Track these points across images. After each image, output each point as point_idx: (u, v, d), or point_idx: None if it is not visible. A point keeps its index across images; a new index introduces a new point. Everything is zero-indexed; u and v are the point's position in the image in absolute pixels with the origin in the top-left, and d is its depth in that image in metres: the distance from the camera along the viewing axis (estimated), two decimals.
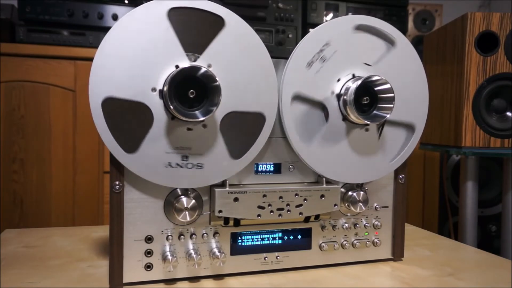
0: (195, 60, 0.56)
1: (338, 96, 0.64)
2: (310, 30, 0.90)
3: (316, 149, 0.63)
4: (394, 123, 0.67)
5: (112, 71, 0.53)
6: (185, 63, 0.56)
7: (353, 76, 0.64)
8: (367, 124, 0.65)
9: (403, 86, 0.66)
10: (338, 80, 0.64)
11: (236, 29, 0.58)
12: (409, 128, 0.68)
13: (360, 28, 0.65)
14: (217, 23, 0.57)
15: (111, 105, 0.53)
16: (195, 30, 0.56)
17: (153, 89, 0.55)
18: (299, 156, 0.63)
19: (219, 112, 0.58)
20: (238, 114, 0.59)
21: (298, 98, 0.62)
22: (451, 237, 1.48)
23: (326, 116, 0.64)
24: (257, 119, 0.60)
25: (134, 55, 0.54)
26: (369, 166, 0.67)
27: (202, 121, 0.57)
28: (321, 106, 0.64)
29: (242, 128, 0.59)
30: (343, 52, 0.64)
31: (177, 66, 0.55)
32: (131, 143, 0.55)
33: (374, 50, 0.66)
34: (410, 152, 0.68)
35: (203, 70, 0.53)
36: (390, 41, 0.66)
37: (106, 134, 0.54)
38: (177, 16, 0.56)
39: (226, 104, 0.58)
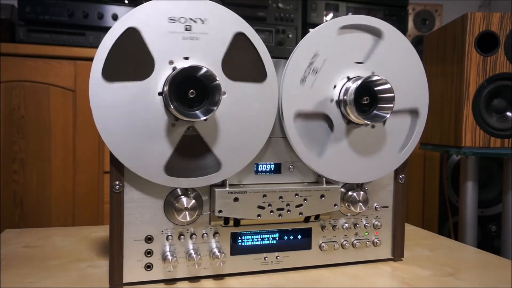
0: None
1: (338, 102, 0.64)
2: (310, 30, 0.90)
3: (330, 158, 0.64)
4: (397, 112, 0.66)
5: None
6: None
7: (348, 78, 0.64)
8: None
9: (399, 74, 0.66)
10: (334, 86, 0.64)
11: (269, 89, 0.60)
12: (413, 114, 0.68)
13: (344, 28, 0.64)
14: (261, 76, 0.60)
15: None
16: (241, 61, 0.59)
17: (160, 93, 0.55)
18: (315, 170, 0.64)
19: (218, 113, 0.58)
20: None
21: (300, 115, 0.63)
22: (451, 237, 1.48)
23: (330, 126, 0.64)
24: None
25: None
26: (370, 166, 0.67)
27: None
28: (324, 117, 0.64)
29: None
30: (333, 58, 0.63)
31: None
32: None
33: (362, 46, 0.65)
34: (419, 138, 0.68)
35: (203, 70, 0.53)
36: (376, 33, 0.66)
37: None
38: (240, 42, 0.58)
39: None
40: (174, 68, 0.55)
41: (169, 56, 0.55)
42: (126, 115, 0.54)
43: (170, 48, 0.55)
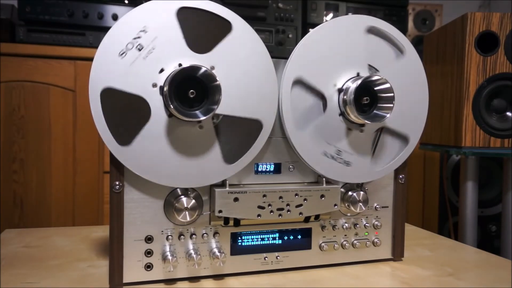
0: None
1: (339, 90, 0.64)
2: (310, 30, 0.90)
3: (308, 137, 0.63)
4: (391, 131, 0.67)
5: (114, 62, 0.53)
6: (188, 62, 0.56)
7: (358, 74, 0.64)
8: (362, 125, 0.65)
9: (405, 97, 0.66)
10: (342, 75, 0.64)
11: (242, 34, 0.59)
12: (403, 140, 0.68)
13: (372, 30, 0.65)
14: (225, 27, 0.58)
15: (110, 96, 0.54)
16: (202, 31, 0.57)
17: (154, 85, 0.55)
18: (290, 140, 0.62)
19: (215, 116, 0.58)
20: (235, 119, 0.59)
21: (300, 82, 0.62)
22: (451, 237, 1.48)
23: (324, 107, 0.64)
24: (255, 125, 0.60)
25: (138, 49, 0.54)
26: (355, 167, 0.66)
27: (200, 122, 0.57)
28: (321, 96, 0.64)
29: (239, 133, 0.59)
30: (352, 50, 0.64)
31: (180, 65, 0.55)
32: (125, 136, 0.55)
33: (383, 55, 0.66)
34: (399, 164, 0.68)
35: (203, 69, 0.53)
36: (399, 50, 0.66)
37: (102, 124, 0.54)
38: (185, 15, 0.56)
39: (223, 107, 0.57)
40: (180, 64, 0.55)
41: (148, 81, 0.55)
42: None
43: (143, 76, 0.55)
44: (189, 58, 0.56)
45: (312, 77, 0.62)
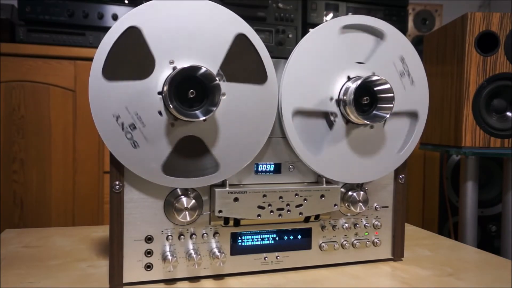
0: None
1: (338, 101, 0.64)
2: (310, 30, 0.90)
3: (326, 157, 0.64)
4: (397, 113, 0.67)
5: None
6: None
7: (348, 78, 0.64)
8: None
9: (399, 74, 0.66)
10: (335, 85, 0.64)
11: (271, 91, 0.60)
12: (412, 116, 0.68)
13: (347, 27, 0.64)
14: (262, 77, 0.59)
15: None
16: (242, 64, 0.58)
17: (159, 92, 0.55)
18: (311, 167, 0.63)
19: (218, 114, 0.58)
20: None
21: (299, 113, 0.63)
22: (451, 237, 1.48)
23: (329, 124, 0.64)
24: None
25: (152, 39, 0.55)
26: (370, 166, 0.67)
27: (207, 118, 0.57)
28: (323, 114, 0.64)
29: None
30: (334, 57, 0.64)
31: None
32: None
33: (364, 47, 0.65)
34: (417, 140, 0.68)
35: (203, 69, 0.53)
36: (378, 34, 0.66)
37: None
38: (240, 41, 0.58)
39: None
40: (174, 68, 0.55)
41: (169, 56, 0.55)
42: (126, 113, 0.54)
43: (170, 48, 0.55)
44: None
45: (308, 103, 0.62)
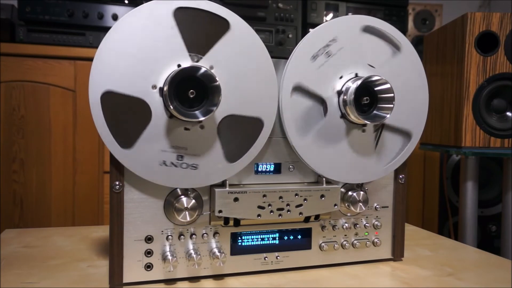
0: (197, 61, 0.56)
1: (339, 93, 0.64)
2: (310, 30, 0.90)
3: (311, 143, 0.63)
4: (392, 128, 0.67)
5: (113, 65, 0.53)
6: (187, 62, 0.56)
7: (356, 75, 0.64)
8: (364, 125, 0.65)
9: (404, 93, 0.66)
10: (341, 77, 0.64)
11: (240, 33, 0.58)
12: (406, 135, 0.68)
13: (368, 29, 0.65)
14: (222, 25, 0.58)
15: (110, 99, 0.53)
16: (200, 31, 0.57)
17: (154, 87, 0.55)
18: (294, 148, 0.63)
19: (218, 114, 0.58)
20: (236, 118, 0.59)
21: (299, 89, 0.62)
22: (451, 237, 1.48)
23: (325, 111, 0.64)
24: (256, 124, 0.60)
25: (136, 51, 0.54)
26: (368, 166, 0.67)
27: (200, 121, 0.57)
28: (321, 101, 0.64)
29: (240, 132, 0.59)
30: (349, 50, 0.64)
31: (179, 65, 0.55)
32: (127, 139, 0.55)
33: (379, 53, 0.66)
34: (404, 159, 0.68)
35: (203, 70, 0.53)
36: (396, 46, 0.66)
37: (103, 128, 0.54)
38: (183, 16, 0.56)
39: (225, 107, 0.57)
40: (179, 65, 0.55)
41: (148, 83, 0.55)
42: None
43: (143, 77, 0.55)
44: (188, 59, 0.56)
45: (311, 83, 0.62)
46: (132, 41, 0.54)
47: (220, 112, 0.58)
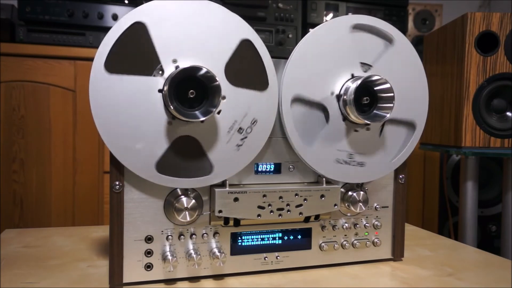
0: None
1: (338, 96, 0.64)
2: (310, 30, 0.90)
3: (317, 150, 0.63)
4: (395, 121, 0.67)
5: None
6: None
7: (352, 76, 0.64)
8: (368, 124, 0.65)
9: (402, 84, 0.66)
10: (338, 80, 0.64)
11: (269, 100, 0.60)
12: (409, 126, 0.68)
13: (357, 27, 0.65)
14: (263, 84, 0.60)
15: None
16: (245, 68, 0.59)
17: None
18: (301, 158, 0.63)
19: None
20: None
21: (298, 100, 0.62)
22: (451, 237, 1.48)
23: (327, 117, 0.64)
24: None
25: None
26: (369, 166, 0.67)
27: (203, 121, 0.57)
28: (321, 107, 0.64)
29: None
30: (341, 52, 0.64)
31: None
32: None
33: (372, 49, 0.65)
34: (411, 151, 0.68)
35: (203, 70, 0.53)
36: (388, 39, 0.66)
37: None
38: (245, 47, 0.59)
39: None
40: (177, 67, 0.55)
41: (173, 54, 0.55)
42: (125, 109, 0.54)
43: (175, 46, 0.55)
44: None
45: (309, 92, 0.62)
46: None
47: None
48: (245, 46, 0.59)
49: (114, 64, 0.53)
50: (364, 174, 0.67)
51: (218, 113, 0.58)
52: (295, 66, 0.62)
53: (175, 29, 0.55)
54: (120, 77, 0.54)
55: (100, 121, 0.54)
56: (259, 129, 0.60)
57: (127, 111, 0.54)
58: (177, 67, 0.55)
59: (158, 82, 0.55)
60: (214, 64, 0.57)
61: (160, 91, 0.55)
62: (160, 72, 0.55)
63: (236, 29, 0.58)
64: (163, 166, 0.56)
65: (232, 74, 0.58)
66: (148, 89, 0.55)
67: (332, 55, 0.63)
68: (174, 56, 0.55)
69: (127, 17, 0.54)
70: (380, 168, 0.67)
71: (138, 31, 0.54)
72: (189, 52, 0.56)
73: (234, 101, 0.58)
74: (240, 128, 0.59)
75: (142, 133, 0.55)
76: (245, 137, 0.59)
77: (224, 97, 0.57)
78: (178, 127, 0.56)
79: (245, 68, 0.59)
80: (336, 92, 0.64)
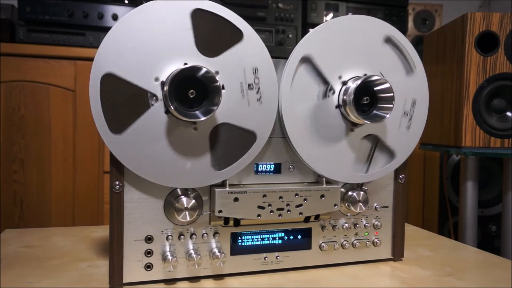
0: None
1: (343, 83, 0.64)
2: (310, 30, 0.90)
3: (301, 120, 0.62)
4: (382, 145, 0.67)
5: (122, 49, 0.54)
6: (194, 62, 0.56)
7: (365, 75, 0.64)
8: (355, 125, 0.65)
9: (404, 115, 0.67)
10: (351, 70, 0.64)
11: (252, 45, 0.59)
12: (389, 154, 0.68)
13: (389, 41, 0.65)
14: (236, 35, 0.58)
15: (110, 82, 0.53)
16: (213, 35, 0.57)
17: (156, 79, 0.55)
18: (301, 158, 0.63)
19: (212, 121, 0.58)
20: (231, 127, 0.59)
21: (308, 61, 0.62)
22: (451, 237, 1.48)
23: (324, 95, 0.64)
24: (248, 136, 0.60)
25: (147, 41, 0.55)
26: (369, 165, 0.67)
27: (195, 122, 0.57)
28: (324, 82, 0.64)
29: (232, 142, 0.59)
30: (366, 52, 0.64)
31: (185, 63, 0.56)
32: (118, 124, 0.54)
33: (394, 68, 0.66)
34: (382, 176, 0.68)
35: (203, 70, 0.53)
36: (410, 67, 0.67)
37: (97, 109, 0.53)
38: (199, 17, 0.56)
39: (221, 114, 0.58)
40: (185, 63, 0.56)
41: (151, 74, 0.55)
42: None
43: (147, 68, 0.55)
44: (196, 59, 0.56)
45: (321, 60, 0.63)
46: (146, 32, 0.54)
47: (216, 118, 0.58)
48: (198, 15, 0.57)
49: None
50: (361, 174, 0.67)
51: (223, 87, 0.57)
52: (322, 31, 0.62)
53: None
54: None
55: (95, 104, 0.53)
56: (264, 72, 0.59)
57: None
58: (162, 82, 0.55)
59: (161, 75, 0.55)
60: (184, 52, 0.56)
61: (161, 84, 0.55)
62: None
63: (181, 8, 0.56)
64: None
65: (206, 48, 0.57)
66: (150, 82, 0.55)
67: (359, 48, 0.64)
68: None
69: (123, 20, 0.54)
70: (373, 170, 0.67)
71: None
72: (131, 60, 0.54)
73: (227, 68, 0.58)
74: (249, 85, 0.59)
75: (146, 136, 0.55)
76: (259, 88, 0.59)
77: (218, 72, 0.57)
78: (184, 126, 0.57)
79: (213, 34, 0.57)
80: (344, 78, 0.64)
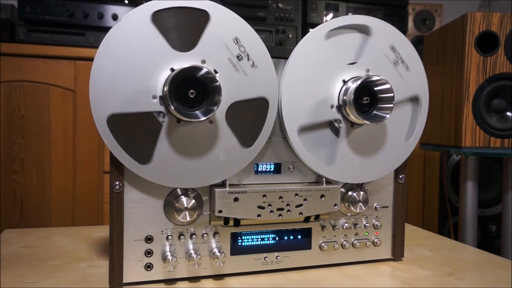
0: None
1: (338, 107, 0.63)
2: (310, 30, 0.90)
3: (336, 162, 0.64)
4: (398, 102, 0.66)
5: (110, 87, 0.53)
6: (180, 63, 0.55)
7: (344, 81, 0.64)
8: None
9: (395, 64, 0.66)
10: (333, 91, 0.64)
11: (221, 19, 0.57)
12: (413, 101, 0.68)
13: (331, 34, 0.64)
14: (202, 17, 0.57)
15: (117, 121, 0.54)
16: (182, 29, 0.56)
17: (154, 97, 0.55)
18: (301, 158, 0.63)
19: (222, 105, 0.57)
20: (241, 104, 0.59)
21: (303, 129, 0.63)
22: (451, 237, 1.48)
23: (335, 132, 0.64)
24: (260, 103, 0.60)
25: (128, 67, 0.53)
26: (369, 165, 0.67)
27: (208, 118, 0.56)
28: (327, 124, 0.64)
29: (248, 116, 0.59)
30: (324, 64, 0.63)
31: (172, 69, 0.55)
32: (144, 154, 0.55)
33: (352, 45, 0.65)
34: (423, 124, 0.68)
35: (204, 70, 0.53)
36: (364, 31, 0.65)
37: (118, 150, 0.54)
38: (161, 18, 0.55)
39: (227, 96, 0.57)
40: (172, 69, 0.55)
41: (148, 94, 0.55)
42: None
43: (142, 91, 0.55)
44: (178, 59, 0.55)
45: (310, 117, 0.63)
46: (121, 58, 0.53)
47: (224, 102, 0.57)
48: (158, 17, 0.55)
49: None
50: (364, 174, 0.67)
51: (215, 72, 0.57)
52: (287, 99, 0.61)
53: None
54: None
55: (113, 146, 0.54)
56: (245, 36, 0.58)
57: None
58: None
59: (157, 91, 0.55)
60: (165, 58, 0.55)
61: (160, 99, 0.55)
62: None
63: (140, 17, 0.54)
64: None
65: (181, 45, 0.55)
66: (149, 101, 0.55)
67: (317, 70, 0.63)
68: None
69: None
70: (399, 151, 0.67)
71: None
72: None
73: (210, 53, 0.57)
74: (238, 56, 0.58)
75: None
76: (247, 54, 0.58)
77: (204, 61, 0.56)
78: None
79: (181, 28, 0.56)
80: (336, 103, 0.63)
